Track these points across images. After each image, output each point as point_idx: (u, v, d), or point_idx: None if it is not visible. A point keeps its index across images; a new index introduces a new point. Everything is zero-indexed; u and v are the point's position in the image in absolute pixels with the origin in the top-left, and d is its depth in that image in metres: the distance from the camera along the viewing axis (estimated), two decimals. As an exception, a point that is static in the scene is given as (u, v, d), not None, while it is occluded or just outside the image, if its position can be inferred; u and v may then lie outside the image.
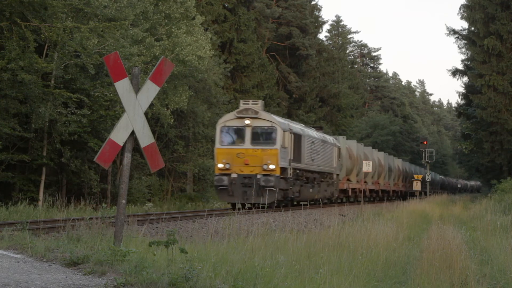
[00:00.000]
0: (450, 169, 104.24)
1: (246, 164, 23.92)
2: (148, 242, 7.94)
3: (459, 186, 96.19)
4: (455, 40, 47.12)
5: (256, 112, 24.62)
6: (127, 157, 8.14)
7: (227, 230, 12.48)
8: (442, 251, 9.81)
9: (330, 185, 32.23)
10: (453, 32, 46.69)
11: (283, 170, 24.60)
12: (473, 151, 48.50)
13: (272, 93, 52.82)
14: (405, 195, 56.40)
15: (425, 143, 57.24)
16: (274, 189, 23.62)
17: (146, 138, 8.24)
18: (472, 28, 43.33)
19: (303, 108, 59.60)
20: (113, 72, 8.02)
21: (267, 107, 45.97)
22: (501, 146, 41.42)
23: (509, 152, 41.54)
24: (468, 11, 42.20)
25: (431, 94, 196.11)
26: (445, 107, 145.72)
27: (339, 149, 34.62)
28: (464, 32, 46.34)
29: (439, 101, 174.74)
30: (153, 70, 8.34)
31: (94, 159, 8.11)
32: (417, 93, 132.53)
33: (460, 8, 43.44)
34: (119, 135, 8.11)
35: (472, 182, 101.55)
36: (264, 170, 23.74)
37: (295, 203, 28.49)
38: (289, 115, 50.03)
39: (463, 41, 46.63)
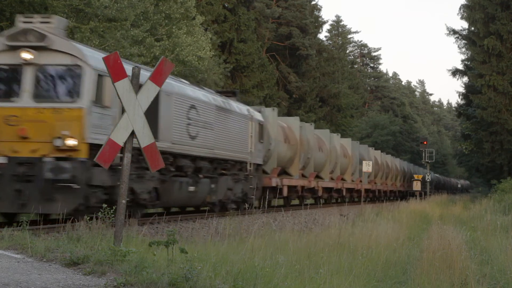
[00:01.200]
0: (450, 169, 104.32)
1: (23, 138, 12.87)
2: (148, 242, 7.94)
3: (459, 186, 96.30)
4: (455, 40, 47.26)
5: (42, 37, 13.20)
6: (127, 157, 8.14)
7: (227, 230, 12.48)
8: (442, 251, 9.81)
9: (240, 181, 20.84)
10: (453, 32, 46.75)
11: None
12: (473, 151, 48.52)
13: (272, 93, 52.85)
14: (398, 196, 50.99)
15: (425, 143, 57.26)
16: (76, 187, 12.73)
17: (146, 138, 8.25)
18: (472, 28, 43.37)
19: (303, 108, 59.62)
20: (113, 72, 8.03)
21: (267, 107, 46.01)
22: (501, 146, 41.44)
23: (509, 152, 41.56)
24: (468, 11, 42.24)
25: (431, 94, 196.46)
26: (445, 107, 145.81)
27: (261, 126, 23.12)
28: (464, 32, 46.39)
29: (439, 101, 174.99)
30: (153, 70, 8.35)
31: (94, 159, 8.12)
32: (417, 93, 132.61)
33: (460, 8, 43.55)
34: (119, 135, 8.11)
35: (462, 181, 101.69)
36: (57, 149, 12.78)
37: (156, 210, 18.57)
38: (289, 115, 49.66)
39: (463, 41, 46.71)
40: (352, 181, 38.32)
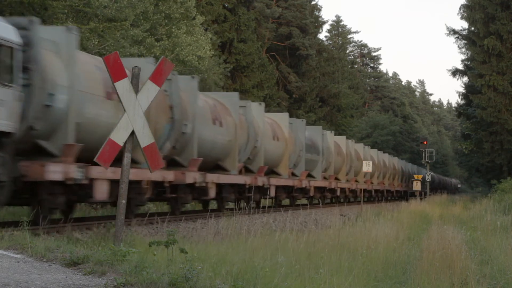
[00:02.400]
0: (450, 169, 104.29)
1: None
2: (148, 242, 7.94)
3: (459, 186, 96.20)
4: (455, 40, 47.24)
5: None
6: (127, 157, 8.15)
7: (227, 230, 12.48)
8: (442, 251, 9.81)
9: None
10: (453, 32, 46.75)
11: None
12: (473, 151, 48.50)
13: (272, 93, 52.84)
14: (372, 196, 43.18)
15: (425, 143, 57.27)
16: None
17: (146, 138, 8.26)
18: (472, 28, 43.37)
19: (303, 108, 59.64)
20: (113, 72, 8.04)
21: (267, 107, 46.02)
22: (501, 146, 41.43)
23: (509, 152, 41.56)
24: (468, 11, 42.24)
25: (431, 94, 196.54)
26: (445, 107, 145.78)
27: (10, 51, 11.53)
28: (464, 32, 46.40)
29: (439, 101, 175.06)
30: (153, 70, 8.36)
31: (94, 159, 8.12)
32: (417, 93, 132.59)
33: (460, 8, 43.52)
34: (119, 135, 8.12)
35: (454, 180, 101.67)
36: None
37: None
38: (289, 115, 49.15)
39: (463, 41, 46.70)
40: (294, 175, 26.53)
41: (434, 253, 9.94)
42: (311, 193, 28.58)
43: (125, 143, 8.18)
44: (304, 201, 29.65)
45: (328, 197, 33.45)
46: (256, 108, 23.17)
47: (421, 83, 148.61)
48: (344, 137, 37.75)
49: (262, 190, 22.81)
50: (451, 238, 10.99)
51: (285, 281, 7.37)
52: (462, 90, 52.07)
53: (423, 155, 54.64)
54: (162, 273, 6.40)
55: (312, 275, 8.05)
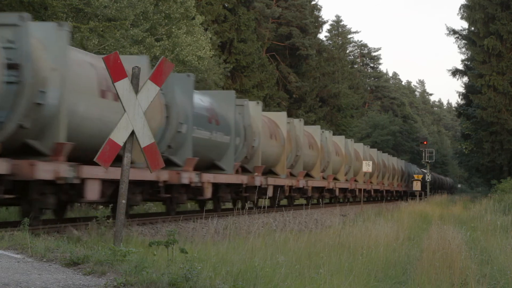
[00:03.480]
0: (450, 169, 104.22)
1: None
2: (148, 242, 7.94)
3: (459, 186, 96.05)
4: (455, 40, 47.25)
5: None
6: (127, 157, 8.14)
7: (227, 230, 12.47)
8: (442, 251, 9.81)
9: None
10: (453, 32, 46.75)
11: None
12: (473, 151, 48.50)
13: (272, 93, 52.86)
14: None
15: (425, 143, 57.33)
16: None
17: (146, 138, 8.25)
18: (472, 28, 43.38)
19: (303, 108, 59.65)
20: (113, 72, 8.03)
21: (267, 107, 46.02)
22: (501, 146, 41.43)
23: (509, 152, 41.56)
24: (468, 11, 42.24)
25: (431, 94, 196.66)
26: (445, 107, 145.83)
27: None
28: (464, 32, 46.40)
29: (439, 101, 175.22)
30: (153, 70, 8.35)
31: (94, 159, 8.12)
32: (417, 93, 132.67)
33: (460, 8, 43.53)
34: (119, 135, 8.12)
35: (448, 179, 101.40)
36: None
37: None
38: (289, 115, 48.91)
39: (463, 41, 46.71)
40: (173, 164, 16.68)
41: (434, 253, 9.94)
42: (206, 194, 17.98)
43: (125, 143, 8.18)
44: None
45: (252, 198, 21.86)
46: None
47: (421, 83, 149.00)
48: (284, 113, 27.46)
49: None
50: (451, 238, 10.98)
51: (285, 281, 7.36)
52: (462, 90, 52.11)
53: (423, 155, 54.66)
54: (162, 273, 6.39)
55: (312, 275, 8.05)
